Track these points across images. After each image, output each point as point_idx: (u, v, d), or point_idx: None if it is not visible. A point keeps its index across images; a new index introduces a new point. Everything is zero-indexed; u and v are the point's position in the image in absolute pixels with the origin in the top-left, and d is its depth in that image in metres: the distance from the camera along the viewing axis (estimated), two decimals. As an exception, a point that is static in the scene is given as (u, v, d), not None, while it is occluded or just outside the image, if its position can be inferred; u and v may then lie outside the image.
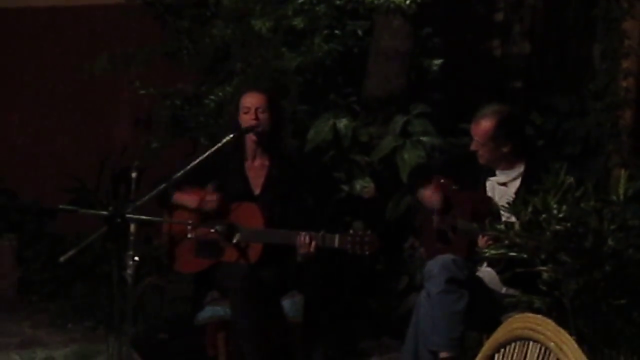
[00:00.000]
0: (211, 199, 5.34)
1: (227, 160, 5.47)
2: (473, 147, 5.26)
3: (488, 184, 5.28)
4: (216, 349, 5.40)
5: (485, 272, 5.14)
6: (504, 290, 5.05)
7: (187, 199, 5.41)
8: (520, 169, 5.24)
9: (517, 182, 5.20)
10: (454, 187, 5.31)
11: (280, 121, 5.57)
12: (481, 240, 4.97)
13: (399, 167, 6.40)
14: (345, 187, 6.52)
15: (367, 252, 5.18)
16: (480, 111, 5.28)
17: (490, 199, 5.19)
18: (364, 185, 6.50)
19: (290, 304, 5.35)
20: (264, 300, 5.22)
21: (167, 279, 6.87)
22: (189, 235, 5.41)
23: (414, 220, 5.73)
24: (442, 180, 5.35)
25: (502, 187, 5.24)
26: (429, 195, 5.31)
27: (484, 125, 5.21)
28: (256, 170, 5.49)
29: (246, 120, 5.42)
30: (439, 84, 7.02)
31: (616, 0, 6.67)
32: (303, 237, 5.19)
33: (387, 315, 6.35)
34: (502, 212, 4.96)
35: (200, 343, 5.51)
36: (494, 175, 5.28)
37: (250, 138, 5.45)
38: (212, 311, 5.36)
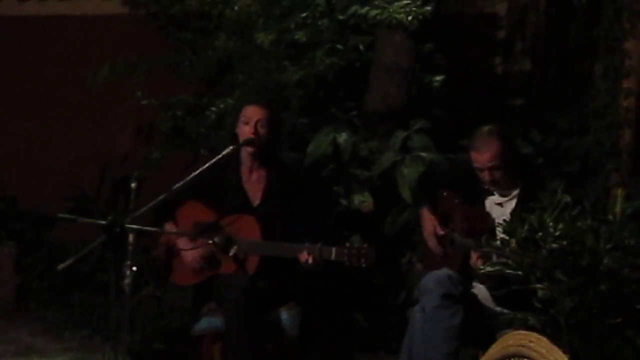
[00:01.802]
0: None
1: (225, 174, 5.47)
2: (487, 176, 5.21)
3: (487, 202, 5.29)
4: (212, 360, 5.41)
5: (480, 289, 5.15)
6: (499, 308, 5.06)
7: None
8: (516, 190, 5.25)
9: (513, 203, 5.22)
10: (456, 200, 5.32)
11: (279, 135, 5.58)
12: (473, 257, 4.98)
13: (398, 182, 6.41)
14: (344, 201, 6.53)
15: (364, 265, 5.17)
16: (476, 139, 5.25)
17: (488, 216, 5.20)
18: (362, 200, 6.51)
19: (286, 317, 5.36)
20: (260, 312, 5.23)
21: (165, 289, 6.89)
22: (179, 248, 5.42)
23: (412, 234, 5.74)
24: (445, 193, 5.37)
25: (499, 207, 5.25)
26: (429, 231, 5.35)
27: (490, 148, 5.18)
28: (254, 183, 5.50)
29: (245, 130, 5.42)
30: (439, 100, 7.03)
31: (618, 20, 6.69)
32: (300, 251, 5.20)
33: (383, 330, 6.36)
34: (497, 232, 4.98)
35: (196, 354, 5.51)
36: (492, 194, 5.29)
37: (247, 150, 5.45)
38: (209, 322, 5.37)
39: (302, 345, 5.47)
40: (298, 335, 5.37)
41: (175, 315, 6.73)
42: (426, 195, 5.51)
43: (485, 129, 5.25)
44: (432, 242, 5.37)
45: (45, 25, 8.60)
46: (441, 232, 5.33)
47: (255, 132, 5.41)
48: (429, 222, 5.40)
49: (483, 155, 5.20)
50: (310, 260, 5.17)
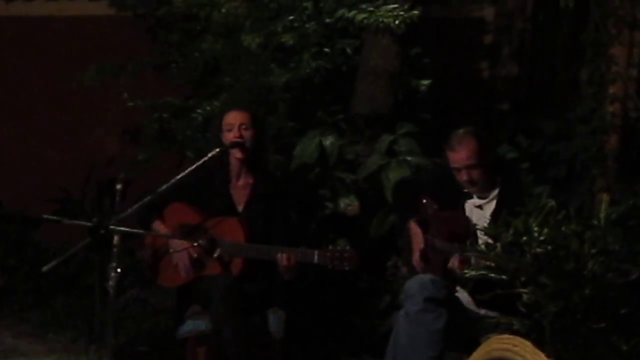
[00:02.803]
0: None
1: (212, 179, 5.48)
2: (465, 176, 5.22)
3: (466, 206, 5.30)
4: (196, 363, 5.40)
5: (463, 293, 5.15)
6: (483, 311, 5.06)
7: (163, 229, 5.43)
8: (495, 191, 5.26)
9: (493, 204, 5.22)
10: (435, 206, 5.32)
11: (264, 139, 5.58)
12: (454, 261, 4.98)
13: (384, 185, 6.42)
14: (330, 205, 6.53)
15: (346, 268, 5.18)
16: (452, 139, 5.26)
17: (468, 220, 5.20)
18: (348, 203, 6.51)
19: (272, 320, 5.36)
20: (245, 314, 5.22)
21: (150, 291, 6.87)
22: (171, 250, 5.41)
23: (397, 239, 5.74)
24: (424, 200, 5.37)
25: (479, 210, 5.25)
26: (415, 236, 5.36)
27: (466, 146, 5.20)
28: (240, 189, 5.50)
29: (230, 138, 5.43)
30: (426, 104, 7.04)
31: (604, 26, 6.70)
32: (282, 253, 5.20)
33: (369, 333, 6.35)
34: (479, 235, 4.98)
35: (181, 357, 5.51)
36: (471, 197, 5.30)
37: (235, 157, 5.46)
38: (193, 325, 5.36)
39: (287, 348, 5.47)
40: (283, 337, 5.37)
41: (160, 318, 6.72)
42: (405, 204, 5.51)
43: (461, 130, 5.29)
44: (416, 258, 5.36)
45: (31, 26, 8.58)
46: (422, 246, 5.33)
47: (240, 136, 5.41)
48: (416, 238, 5.37)
49: (460, 153, 5.22)
50: (292, 263, 5.18)
